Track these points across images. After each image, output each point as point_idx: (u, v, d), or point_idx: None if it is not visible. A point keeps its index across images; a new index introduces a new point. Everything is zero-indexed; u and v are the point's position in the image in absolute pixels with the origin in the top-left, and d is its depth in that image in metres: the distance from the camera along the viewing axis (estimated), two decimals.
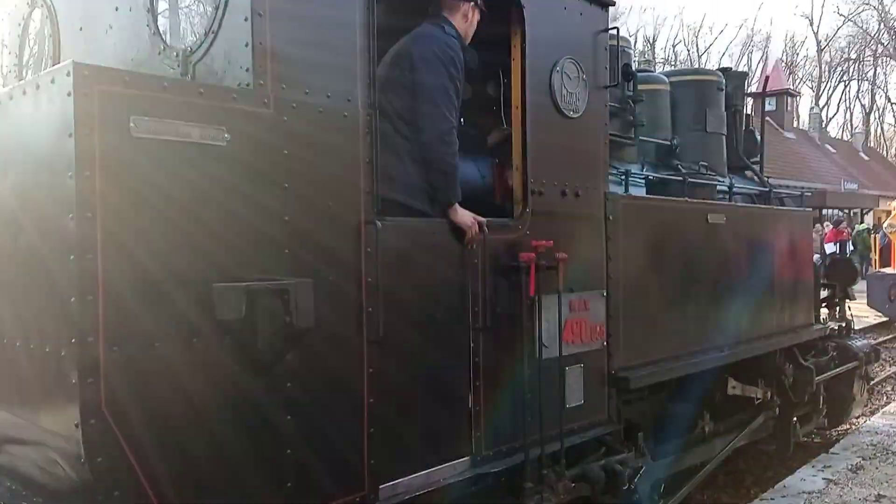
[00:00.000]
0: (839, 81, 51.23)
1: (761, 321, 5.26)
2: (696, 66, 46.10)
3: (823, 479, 5.55)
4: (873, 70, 49.95)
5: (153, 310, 2.09)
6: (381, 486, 2.71)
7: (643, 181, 4.85)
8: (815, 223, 25.79)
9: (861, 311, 15.37)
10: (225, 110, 2.30)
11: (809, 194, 7.27)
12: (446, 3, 3.38)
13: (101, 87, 2.03)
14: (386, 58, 3.25)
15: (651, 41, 40.64)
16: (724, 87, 6.27)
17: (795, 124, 39.63)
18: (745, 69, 44.99)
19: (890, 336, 14.31)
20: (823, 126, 45.64)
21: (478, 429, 3.12)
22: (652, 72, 6.48)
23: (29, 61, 3.78)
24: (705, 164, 5.55)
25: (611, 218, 3.90)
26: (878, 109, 52.91)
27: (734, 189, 5.63)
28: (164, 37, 2.78)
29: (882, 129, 54.51)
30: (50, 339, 2.09)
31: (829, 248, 20.01)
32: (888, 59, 47.33)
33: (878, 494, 5.17)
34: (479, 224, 3.14)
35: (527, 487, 3.28)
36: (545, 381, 3.39)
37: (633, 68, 5.34)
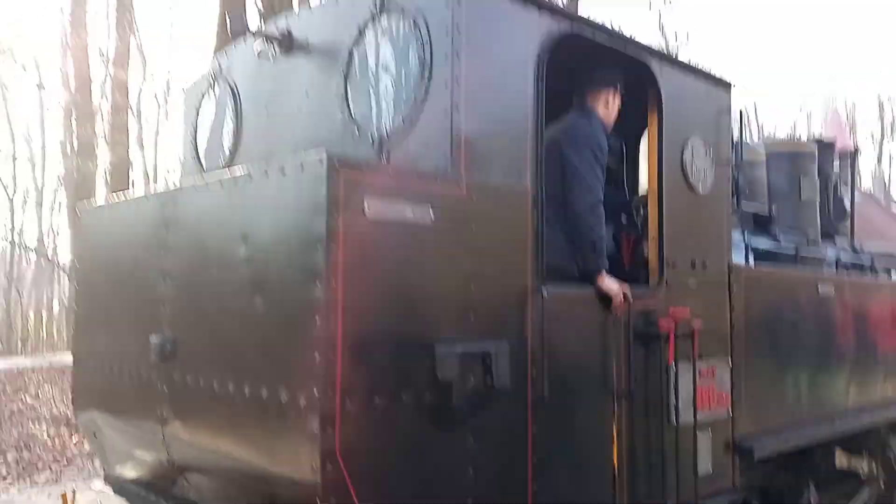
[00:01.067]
0: None
1: (868, 393, 5.33)
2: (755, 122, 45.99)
3: None
4: None
5: (382, 367, 2.39)
6: None
7: (751, 250, 5.03)
8: None
9: None
10: (431, 193, 2.62)
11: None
12: (589, 93, 3.71)
13: (346, 174, 2.36)
14: None
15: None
16: (816, 157, 6.47)
17: (859, 185, 38.90)
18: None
19: None
20: (886, 187, 44.69)
21: (621, 488, 3.31)
22: (748, 143, 6.71)
23: (204, 136, 4.20)
24: (804, 233, 5.71)
25: (734, 288, 4.10)
26: None
27: (840, 261, 5.75)
28: (357, 121, 3.14)
29: None
30: (286, 389, 2.39)
31: None
32: None
33: None
34: (625, 292, 3.39)
35: None
36: (681, 447, 3.57)
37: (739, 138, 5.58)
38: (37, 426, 10.99)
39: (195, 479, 3.13)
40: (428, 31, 2.84)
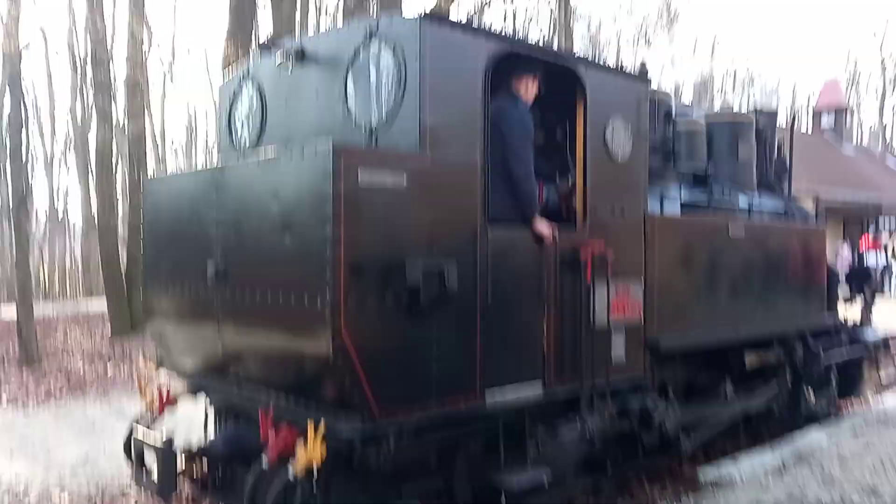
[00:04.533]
0: None
1: (776, 311, 6.69)
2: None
3: (826, 436, 6.91)
4: None
5: (374, 277, 3.76)
6: (486, 389, 4.30)
7: (678, 202, 6.33)
8: (877, 235, 26.24)
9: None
10: (405, 166, 3.95)
11: (843, 212, 8.60)
12: (514, 79, 4.97)
13: (344, 155, 3.70)
14: None
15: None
16: (753, 125, 7.74)
17: (857, 139, 39.68)
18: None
19: None
20: (889, 142, 45.33)
21: (549, 367, 4.68)
22: (689, 115, 7.94)
23: (237, 125, 5.54)
24: (732, 188, 7.00)
25: (648, 230, 5.42)
26: None
27: (754, 208, 7.04)
28: (353, 116, 4.47)
29: None
30: (308, 295, 3.75)
31: (870, 256, 19.65)
32: None
33: (867, 446, 6.51)
34: (553, 231, 4.72)
35: (583, 409, 4.84)
36: (597, 341, 4.93)
37: (674, 115, 6.86)
38: (74, 359, 12.64)
39: (243, 362, 4.52)
40: (403, 54, 4.15)
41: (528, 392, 4.55)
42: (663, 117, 6.69)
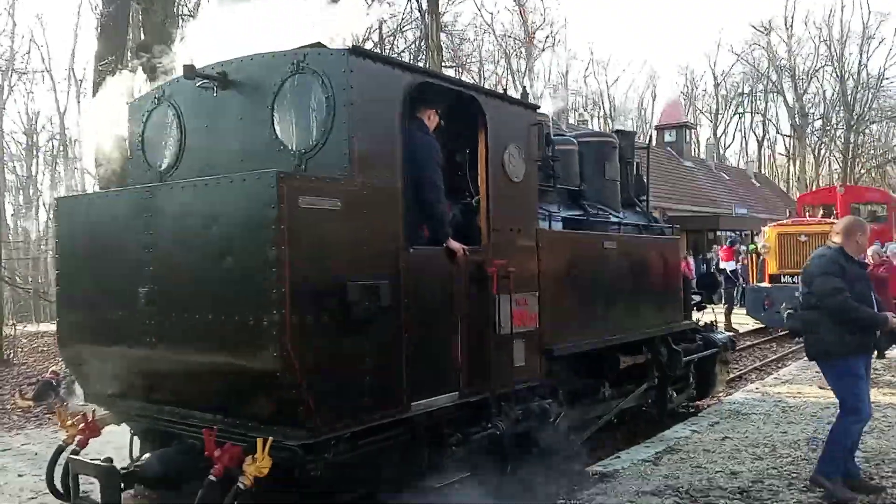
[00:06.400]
0: (735, 113, 56.10)
1: (643, 317, 7.47)
2: (609, 102, 49.85)
3: (690, 430, 7.78)
4: (765, 104, 54.97)
5: (315, 295, 4.00)
6: (412, 403, 4.64)
7: (560, 219, 6.95)
8: (713, 244, 28.86)
9: (743, 319, 18.18)
10: (338, 189, 4.24)
11: (688, 224, 9.61)
12: (421, 110, 5.35)
13: (287, 181, 3.94)
14: None
15: (564, 74, 43.90)
16: (617, 144, 8.56)
17: (695, 153, 43.44)
18: (650, 100, 48.98)
19: (765, 339, 17.05)
20: (721, 155, 49.92)
21: (463, 375, 5.09)
22: (564, 135, 8.67)
23: (150, 146, 5.55)
24: (602, 205, 7.74)
25: (540, 245, 5.97)
26: (770, 140, 57.98)
27: (623, 223, 7.82)
28: (281, 141, 4.69)
29: (774, 157, 59.65)
30: (253, 314, 3.95)
31: (730, 265, 22.05)
32: (777, 94, 52.12)
33: (724, 437, 7.41)
34: (464, 250, 5.13)
35: (492, 412, 5.30)
36: (502, 349, 5.40)
37: (552, 136, 7.49)
38: None
39: (175, 386, 4.61)
40: (332, 85, 4.43)
41: (445, 400, 4.94)
42: (543, 139, 7.32)
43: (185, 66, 4.85)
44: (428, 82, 5.00)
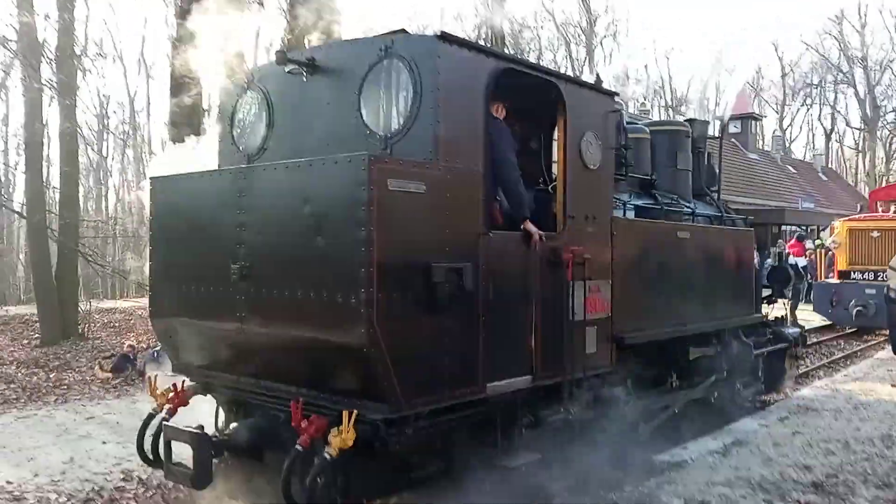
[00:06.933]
0: (802, 104, 54.50)
1: (714, 308, 7.41)
2: (670, 91, 49.03)
3: (758, 424, 7.70)
4: (834, 96, 53.25)
5: (401, 275, 4.13)
6: (488, 384, 4.74)
7: (633, 207, 6.95)
8: (777, 239, 28.11)
9: (808, 315, 17.80)
10: (424, 174, 4.34)
11: (752, 217, 9.47)
12: (491, 104, 5.39)
13: (377, 164, 4.06)
14: None
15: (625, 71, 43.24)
16: (690, 134, 8.47)
17: (760, 145, 42.39)
18: (714, 91, 48.01)
19: (832, 336, 16.66)
20: (787, 147, 48.58)
21: (536, 359, 5.16)
22: (636, 123, 8.62)
23: (240, 130, 5.75)
24: (673, 195, 7.69)
25: (614, 233, 5.98)
26: (839, 133, 56.17)
27: (696, 213, 7.76)
28: (368, 126, 4.81)
29: (842, 151, 57.77)
30: (343, 292, 4.09)
31: (800, 260, 21.02)
32: (847, 86, 50.42)
33: (795, 432, 7.32)
34: (540, 235, 5.20)
35: (564, 397, 5.36)
36: (575, 335, 5.45)
37: (624, 124, 7.47)
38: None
39: (263, 360, 4.79)
40: (419, 71, 4.53)
41: (520, 383, 5.02)
42: (621, 127, 7.31)
43: (276, 52, 5.02)
44: (511, 68, 5.06)
